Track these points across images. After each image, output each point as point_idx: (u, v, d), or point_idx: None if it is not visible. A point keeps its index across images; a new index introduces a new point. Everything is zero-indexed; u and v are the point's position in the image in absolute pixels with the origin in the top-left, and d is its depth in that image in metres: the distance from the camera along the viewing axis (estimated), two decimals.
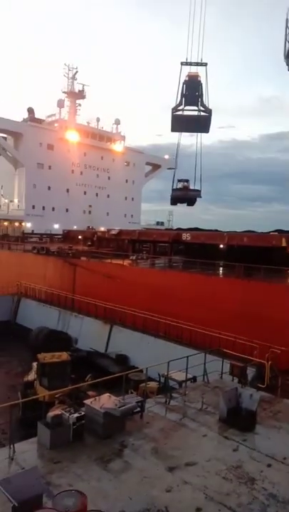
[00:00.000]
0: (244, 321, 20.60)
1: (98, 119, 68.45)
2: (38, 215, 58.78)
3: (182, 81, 34.81)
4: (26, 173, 57.95)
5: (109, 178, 68.07)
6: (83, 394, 15.93)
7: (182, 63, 33.71)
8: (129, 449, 10.66)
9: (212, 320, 21.27)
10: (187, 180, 44.16)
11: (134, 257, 33.38)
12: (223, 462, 10.12)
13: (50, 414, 11.00)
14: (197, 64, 33.81)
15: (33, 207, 58.49)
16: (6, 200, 61.28)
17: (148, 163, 75.05)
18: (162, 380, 16.05)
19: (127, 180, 70.69)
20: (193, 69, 34.05)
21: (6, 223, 60.59)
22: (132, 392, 15.90)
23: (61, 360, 17.94)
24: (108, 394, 12.14)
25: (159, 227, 73.90)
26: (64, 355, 18.36)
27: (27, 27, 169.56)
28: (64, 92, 65.22)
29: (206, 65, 34.46)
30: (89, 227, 60.22)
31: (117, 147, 68.49)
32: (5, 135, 59.57)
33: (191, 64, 33.56)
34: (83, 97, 66.28)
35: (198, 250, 31.76)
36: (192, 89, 34.82)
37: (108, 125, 69.47)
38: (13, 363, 24.65)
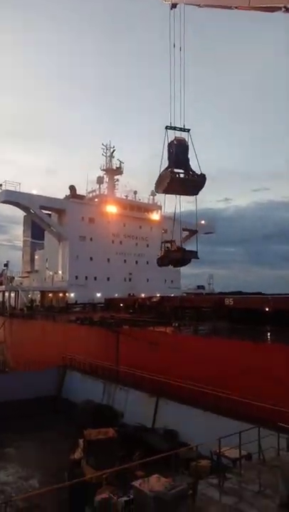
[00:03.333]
0: None
1: (136, 192, 72.08)
2: (81, 285, 60.35)
3: (170, 144, 35.93)
4: (69, 246, 60.64)
5: (147, 245, 69.73)
6: (131, 474, 15.21)
7: (167, 127, 35.14)
8: None
9: (265, 390, 20.20)
10: (173, 241, 43.82)
11: (176, 324, 33.03)
12: None
13: (98, 497, 10.58)
14: (181, 129, 35.10)
15: (76, 277, 60.31)
16: (51, 273, 63.73)
17: (184, 229, 76.60)
18: (214, 457, 15.11)
19: None
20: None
21: (50, 295, 62.45)
22: (183, 472, 14.99)
23: (108, 437, 17.46)
24: (157, 475, 11.55)
25: (199, 291, 73.39)
26: (110, 432, 17.87)
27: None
28: (102, 170, 69.78)
29: (188, 130, 35.75)
30: (130, 294, 60.85)
31: (154, 216, 70.94)
32: (49, 212, 63.62)
33: (175, 128, 34.90)
34: (120, 173, 70.53)
35: (242, 315, 31.05)
36: (182, 153, 35.67)
37: (145, 196, 72.78)
38: (59, 440, 24.07)
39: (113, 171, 69.88)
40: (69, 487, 14.50)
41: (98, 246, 62.89)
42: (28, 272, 77.10)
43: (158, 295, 43.91)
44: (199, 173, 36.03)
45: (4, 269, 66.58)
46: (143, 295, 55.47)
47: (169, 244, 42.79)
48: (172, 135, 34.90)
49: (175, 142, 35.22)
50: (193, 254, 43.06)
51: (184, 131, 35.51)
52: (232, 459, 14.27)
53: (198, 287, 76.48)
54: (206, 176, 36.13)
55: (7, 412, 28.21)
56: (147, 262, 68.96)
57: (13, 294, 60.98)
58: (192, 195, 37.63)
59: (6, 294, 61.30)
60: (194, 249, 42.96)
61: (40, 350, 37.37)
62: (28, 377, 32.51)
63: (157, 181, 37.11)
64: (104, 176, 69.29)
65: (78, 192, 70.16)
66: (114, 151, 70.74)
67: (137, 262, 68.41)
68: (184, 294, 63.78)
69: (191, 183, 36.35)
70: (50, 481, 17.75)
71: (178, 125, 34.60)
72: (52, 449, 23.22)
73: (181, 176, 35.31)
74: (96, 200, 66.96)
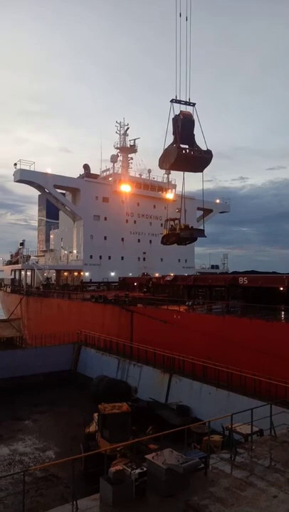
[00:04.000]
0: None
1: (150, 171, 71.20)
2: (96, 264, 60.75)
3: (175, 118, 34.29)
4: (84, 225, 60.77)
5: (162, 225, 69.25)
6: (144, 447, 15.59)
7: (172, 101, 33.55)
8: (194, 509, 10.16)
9: (278, 368, 20.27)
10: (177, 219, 42.51)
11: (190, 303, 33.13)
12: None
13: (112, 469, 10.86)
14: (186, 103, 33.56)
15: (91, 257, 60.66)
16: (66, 252, 64.22)
17: (199, 208, 75.93)
18: (226, 433, 15.35)
19: None
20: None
21: (66, 273, 63.12)
22: (195, 447, 15.30)
23: (122, 411, 17.80)
24: (170, 449, 11.81)
25: (213, 270, 73.15)
26: (124, 406, 18.21)
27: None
28: (116, 148, 69.02)
29: (194, 104, 34.00)
30: (144, 273, 61.04)
31: (169, 195, 70.30)
32: (64, 191, 63.60)
33: (180, 102, 33.42)
34: (134, 151, 69.63)
35: (256, 294, 30.92)
36: (188, 128, 34.17)
37: (159, 174, 71.98)
38: (74, 413, 24.76)
39: (127, 149, 69.06)
40: (84, 459, 14.98)
41: (112, 225, 62.86)
42: (44, 251, 77.83)
43: (172, 274, 43.86)
44: (205, 149, 34.80)
45: (20, 248, 67.24)
46: (157, 274, 55.56)
47: (173, 222, 42.07)
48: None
49: (181, 116, 33.83)
50: (200, 233, 42.32)
51: (190, 105, 33.92)
52: (244, 434, 14.47)
53: (213, 267, 76.21)
54: (213, 153, 34.81)
55: (25, 386, 29.09)
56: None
57: (29, 273, 61.80)
58: (197, 172, 36.45)
59: (23, 272, 62.14)
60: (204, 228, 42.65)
61: (56, 327, 38.03)
62: (45, 352, 33.28)
63: (162, 157, 35.55)
64: (118, 155, 68.55)
65: (92, 171, 69.80)
66: (128, 128, 69.77)
67: (150, 242, 68.28)
68: (198, 273, 63.66)
69: (198, 160, 35.00)
70: (65, 452, 18.36)
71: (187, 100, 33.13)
72: (67, 422, 23.93)
73: (188, 151, 34.16)
74: (110, 179, 66.54)
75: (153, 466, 11.05)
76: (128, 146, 69.24)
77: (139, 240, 67.24)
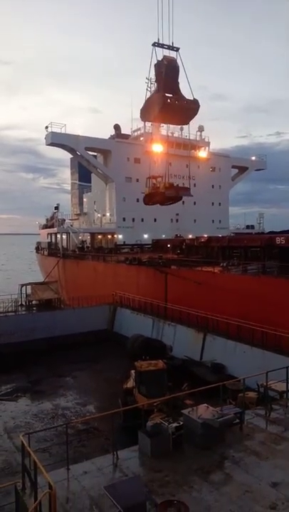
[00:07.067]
0: None
1: (182, 128, 68.86)
2: (129, 227, 60.84)
3: (158, 64, 30.61)
4: (116, 188, 60.48)
5: (195, 185, 67.86)
6: (180, 402, 16.06)
7: (154, 44, 29.94)
8: (230, 461, 10.48)
9: None
10: (160, 176, 39.22)
11: (224, 264, 32.82)
12: None
13: (150, 423, 11.29)
14: (169, 47, 30.41)
15: (124, 219, 60.70)
16: (99, 215, 64.55)
17: (234, 167, 73.52)
18: (261, 390, 15.52)
19: (213, 186, 69.94)
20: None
21: (100, 236, 63.79)
22: (230, 403, 15.60)
23: (157, 368, 18.29)
24: (206, 404, 12.09)
25: (249, 231, 71.64)
26: (160, 364, 18.70)
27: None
28: None
29: (177, 50, 30.70)
30: (177, 235, 60.66)
31: (202, 154, 68.26)
32: (95, 153, 62.99)
33: (162, 46, 30.41)
34: None
35: None
36: (172, 75, 31.07)
37: (192, 132, 69.72)
38: (112, 370, 25.73)
39: None
40: (123, 413, 15.66)
41: (144, 187, 62.20)
42: (78, 215, 78.58)
43: (205, 235, 43.34)
44: (192, 98, 31.77)
45: (55, 212, 68.12)
46: (190, 236, 55.09)
47: (155, 180, 39.26)
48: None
49: (165, 62, 30.85)
50: (186, 191, 39.64)
51: (173, 49, 30.95)
52: (279, 391, 14.59)
53: (248, 227, 74.57)
54: (200, 103, 31.61)
55: (64, 345, 30.35)
56: (194, 203, 67.65)
57: (64, 236, 62.86)
58: (183, 125, 33.48)
59: (58, 235, 63.32)
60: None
61: (92, 289, 38.98)
62: (83, 313, 34.36)
63: (144, 107, 32.51)
64: None
65: (123, 131, 68.41)
66: None
67: (183, 203, 66.98)
68: (233, 234, 62.61)
69: (184, 111, 31.90)
70: (105, 407, 19.23)
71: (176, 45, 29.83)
72: (105, 378, 24.93)
73: (174, 101, 31.00)
74: (141, 138, 65.11)
75: (189, 420, 11.40)
76: None
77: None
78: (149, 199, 38.49)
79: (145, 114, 33.31)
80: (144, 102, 32.83)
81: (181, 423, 11.31)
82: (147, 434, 10.83)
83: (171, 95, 31.77)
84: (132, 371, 19.69)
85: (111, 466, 10.29)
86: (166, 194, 36.16)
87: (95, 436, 17.16)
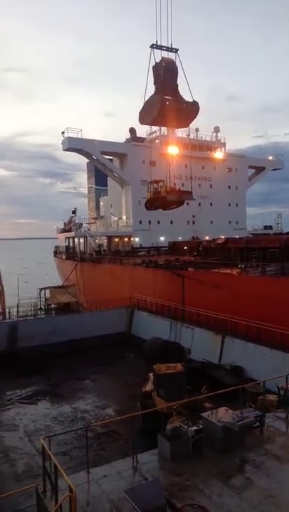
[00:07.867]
0: None
1: (197, 130, 68.73)
2: (145, 230, 60.89)
3: (157, 66, 30.02)
4: (132, 191, 60.65)
5: (211, 186, 67.62)
6: (199, 406, 15.94)
7: (153, 46, 29.22)
8: (250, 465, 10.36)
9: None
10: (162, 181, 38.30)
11: (242, 266, 32.51)
12: None
13: (169, 426, 11.25)
14: (168, 49, 29.74)
15: (140, 222, 60.80)
16: (116, 218, 64.83)
17: (251, 167, 72.87)
18: (282, 392, 15.29)
19: (229, 187, 69.49)
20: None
21: (116, 240, 64.06)
22: (250, 406, 15.42)
23: (176, 371, 18.21)
24: (225, 408, 11.99)
25: (267, 231, 70.82)
26: (179, 366, 18.60)
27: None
28: None
29: (176, 51, 30.02)
30: (194, 237, 60.41)
31: (218, 155, 67.90)
32: (111, 157, 63.35)
33: (161, 48, 29.72)
34: None
35: None
36: (171, 77, 30.35)
37: (208, 133, 69.45)
38: (130, 373, 25.73)
39: None
40: (142, 416, 15.64)
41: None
42: (94, 218, 79.06)
43: (222, 237, 43.06)
44: (192, 100, 31.16)
45: (72, 216, 68.78)
46: (207, 237, 54.82)
47: (156, 185, 38.67)
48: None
49: (163, 64, 30.38)
50: (188, 195, 38.97)
51: (172, 51, 30.45)
52: None
53: (266, 227, 73.70)
54: (200, 105, 30.87)
55: (83, 348, 30.54)
56: (211, 204, 67.36)
57: (82, 240, 63.35)
58: (182, 128, 32.94)
59: (76, 239, 63.86)
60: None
61: (110, 292, 39.13)
62: (100, 316, 34.54)
63: (143, 110, 32.02)
64: None
65: (138, 134, 68.63)
66: None
67: (200, 204, 66.96)
68: (250, 235, 62.01)
69: (184, 113, 31.33)
70: (123, 410, 19.25)
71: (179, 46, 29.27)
72: (124, 381, 24.94)
73: (173, 103, 30.33)
74: (157, 141, 65.19)
75: (209, 423, 11.31)
76: None
77: (187, 203, 66.15)
78: (151, 204, 38.23)
79: (144, 117, 32.96)
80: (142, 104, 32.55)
81: (201, 426, 11.23)
82: (167, 438, 10.79)
83: (170, 97, 31.49)
84: (151, 374, 19.66)
85: (131, 470, 10.29)
86: (167, 198, 35.77)
87: (115, 439, 17.17)
